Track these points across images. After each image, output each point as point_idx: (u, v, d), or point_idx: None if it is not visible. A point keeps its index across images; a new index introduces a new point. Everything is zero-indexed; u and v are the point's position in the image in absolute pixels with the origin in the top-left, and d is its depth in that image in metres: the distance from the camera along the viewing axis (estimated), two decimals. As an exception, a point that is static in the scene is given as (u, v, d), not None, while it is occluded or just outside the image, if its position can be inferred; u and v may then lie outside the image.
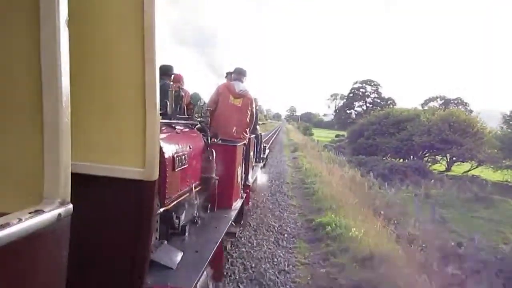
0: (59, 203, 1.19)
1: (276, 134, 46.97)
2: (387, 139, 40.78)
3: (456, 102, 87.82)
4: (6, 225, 0.97)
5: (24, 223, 1.03)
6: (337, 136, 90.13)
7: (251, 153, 6.90)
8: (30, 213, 1.07)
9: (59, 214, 1.16)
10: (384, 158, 38.72)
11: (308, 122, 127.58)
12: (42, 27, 1.20)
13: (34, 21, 1.20)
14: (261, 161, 9.98)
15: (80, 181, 1.32)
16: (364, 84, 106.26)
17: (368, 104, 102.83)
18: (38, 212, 1.10)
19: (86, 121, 1.77)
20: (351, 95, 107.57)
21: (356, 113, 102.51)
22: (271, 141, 28.47)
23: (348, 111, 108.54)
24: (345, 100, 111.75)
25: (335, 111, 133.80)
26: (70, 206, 1.23)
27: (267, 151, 13.48)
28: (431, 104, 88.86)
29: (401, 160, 38.50)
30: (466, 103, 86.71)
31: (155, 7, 1.82)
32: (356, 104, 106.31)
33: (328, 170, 17.18)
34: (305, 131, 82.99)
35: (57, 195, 1.19)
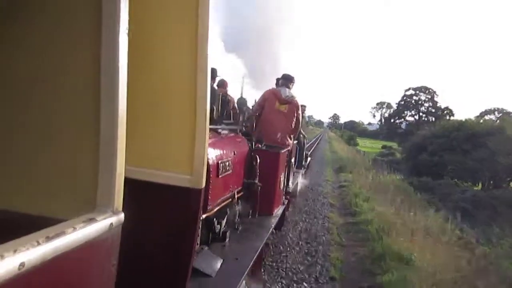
0: (111, 212, 1.19)
1: (317, 143, 39.75)
2: (459, 157, 31.53)
3: (517, 115, 77.64)
4: (62, 233, 0.98)
5: (78, 232, 1.03)
6: (384, 147, 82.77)
7: (292, 160, 6.83)
8: (84, 221, 1.07)
9: (111, 224, 1.16)
10: (455, 181, 30.53)
11: (352, 131, 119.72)
12: (103, 35, 1.21)
13: (95, 29, 1.21)
14: (303, 168, 9.87)
15: (128, 185, 1.32)
16: (418, 92, 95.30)
17: (421, 114, 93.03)
18: (92, 220, 1.10)
19: (137, 127, 1.79)
20: (402, 102, 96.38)
21: (407, 123, 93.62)
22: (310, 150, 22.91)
23: (398, 121, 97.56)
24: (394, 108, 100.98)
25: (380, 120, 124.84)
26: (122, 215, 1.23)
27: (308, 158, 13.19)
28: (487, 117, 79.64)
29: (479, 186, 30.19)
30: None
31: (209, 16, 1.82)
32: (408, 113, 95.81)
33: (407, 222, 8.59)
34: (349, 141, 76.57)
35: (110, 204, 1.19)
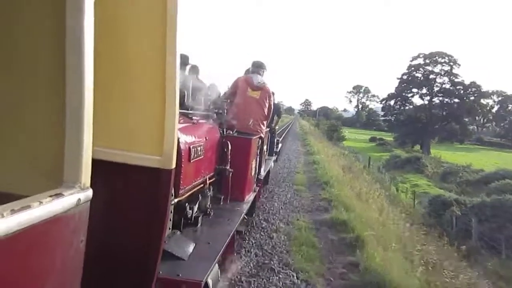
0: (79, 187, 1.18)
1: (284, 134, 28.95)
2: None
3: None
4: (27, 207, 0.97)
5: (44, 206, 1.02)
6: (372, 139, 62.95)
7: (265, 147, 6.88)
8: (50, 196, 1.07)
9: (79, 199, 1.16)
10: None
11: (327, 119, 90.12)
12: (68, 10, 1.18)
13: (59, 4, 1.19)
14: (274, 154, 9.94)
15: (97, 166, 1.32)
16: (430, 60, 63.63)
17: (435, 92, 64.01)
18: (58, 196, 1.09)
19: (106, 108, 1.77)
20: (405, 77, 67.09)
21: (413, 107, 66.77)
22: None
23: (399, 103, 68.46)
24: (397, 86, 69.38)
25: (357, 106, 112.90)
26: (90, 191, 1.22)
27: (279, 145, 13.32)
28: (483, 101, 58.97)
29: None
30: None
31: None
32: (416, 91, 66.28)
33: None
34: (330, 134, 51.05)
35: (78, 180, 1.19)
